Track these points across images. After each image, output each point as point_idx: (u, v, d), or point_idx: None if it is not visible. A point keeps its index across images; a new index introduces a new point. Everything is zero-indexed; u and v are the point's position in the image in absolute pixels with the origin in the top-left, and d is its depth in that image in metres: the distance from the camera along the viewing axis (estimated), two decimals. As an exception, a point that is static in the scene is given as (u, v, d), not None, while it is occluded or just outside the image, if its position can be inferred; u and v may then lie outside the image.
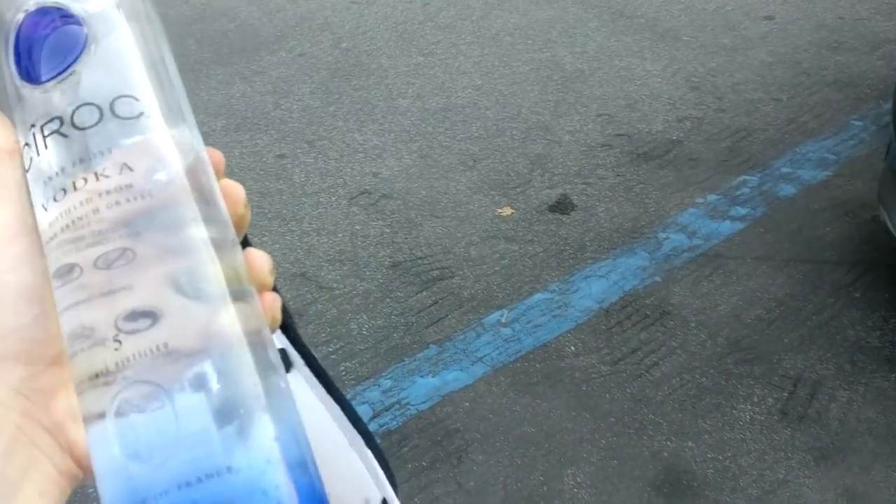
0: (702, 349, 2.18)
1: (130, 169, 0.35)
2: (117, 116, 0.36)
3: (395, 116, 3.13)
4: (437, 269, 2.45)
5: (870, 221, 2.54)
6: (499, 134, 3.03)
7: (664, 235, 2.56)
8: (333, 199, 2.73)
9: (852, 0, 3.98)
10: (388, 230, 2.60)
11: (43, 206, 0.36)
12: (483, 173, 2.83)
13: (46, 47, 0.37)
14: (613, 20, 3.80)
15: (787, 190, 2.75)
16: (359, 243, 2.55)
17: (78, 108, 0.36)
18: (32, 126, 0.36)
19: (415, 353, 2.18)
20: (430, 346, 2.20)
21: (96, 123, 0.36)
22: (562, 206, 2.68)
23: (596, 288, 2.37)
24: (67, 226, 0.35)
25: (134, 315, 0.33)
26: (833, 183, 2.78)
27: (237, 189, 0.38)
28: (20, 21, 0.37)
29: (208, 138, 0.42)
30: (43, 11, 0.37)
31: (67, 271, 0.34)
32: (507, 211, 2.66)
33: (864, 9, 3.90)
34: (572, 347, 2.19)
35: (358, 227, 2.61)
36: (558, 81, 3.33)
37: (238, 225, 0.38)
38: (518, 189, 2.76)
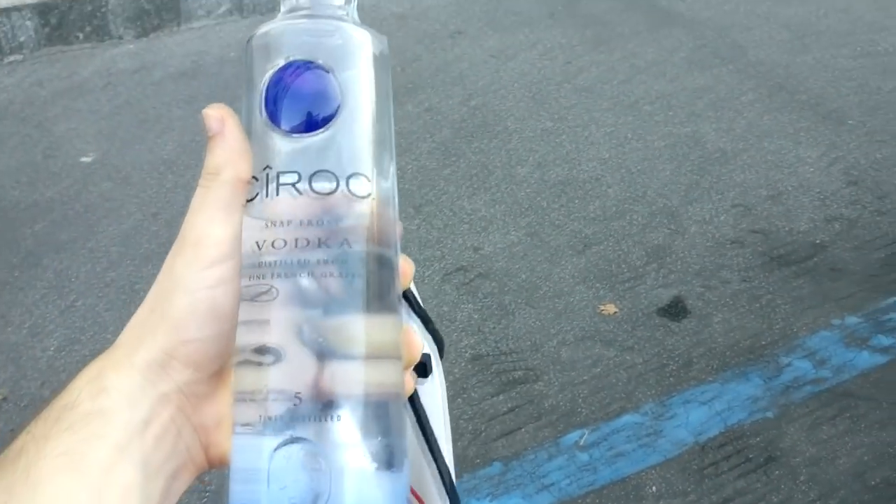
0: (809, 512, 1.86)
1: (346, 244, 0.39)
2: (350, 192, 0.39)
3: (510, 186, 2.95)
4: (522, 369, 2.24)
5: None
6: (618, 216, 2.78)
7: (786, 360, 2.23)
8: (427, 273, 2.58)
9: None
10: (476, 315, 2.41)
11: (256, 243, 0.39)
12: (592, 261, 2.59)
13: (303, 100, 0.40)
14: (771, 95, 3.45)
15: (948, 320, 2.34)
16: (443, 327, 2.38)
17: (318, 172, 0.39)
18: (268, 167, 0.40)
19: (477, 470, 1.97)
20: (496, 462, 1.99)
21: (330, 193, 0.39)
22: (673, 311, 2.40)
23: (695, 417, 2.09)
24: (262, 273, 0.39)
25: (271, 349, 0.38)
26: None
27: (409, 267, 0.43)
28: (283, 65, 0.40)
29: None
30: (308, 65, 0.40)
31: (253, 295, 0.39)
32: (611, 309, 2.41)
33: None
34: (654, 488, 1.91)
35: (446, 309, 2.44)
36: (695, 161, 3.04)
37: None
38: (627, 284, 2.50)
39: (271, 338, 0.38)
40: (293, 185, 0.39)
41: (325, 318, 0.39)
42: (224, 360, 0.40)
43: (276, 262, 0.39)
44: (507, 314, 2.42)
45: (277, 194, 0.39)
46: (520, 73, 3.66)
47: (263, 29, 0.43)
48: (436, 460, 0.71)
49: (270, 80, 0.41)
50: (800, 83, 3.53)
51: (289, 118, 0.40)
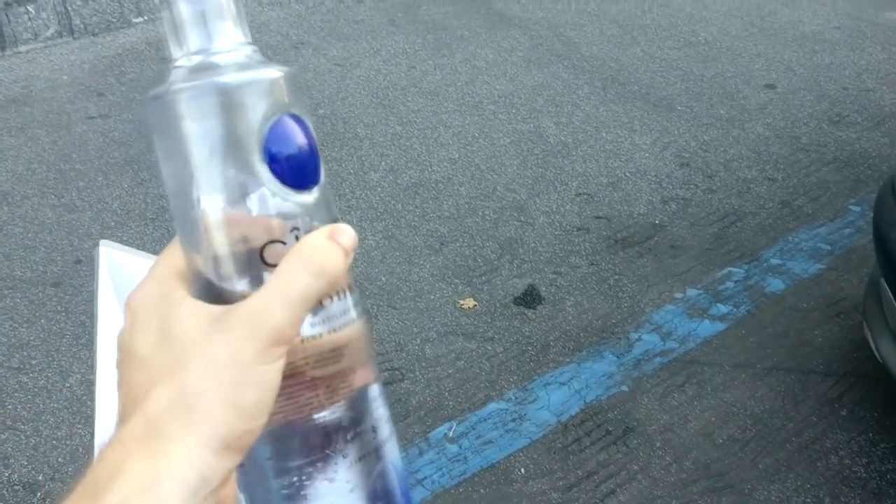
0: (666, 474, 1.97)
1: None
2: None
3: (363, 191, 2.97)
4: (388, 370, 2.26)
5: (862, 325, 2.33)
6: (470, 213, 2.86)
7: (636, 336, 2.36)
8: (287, 285, 2.56)
9: (858, 69, 3.79)
10: (340, 323, 2.42)
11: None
12: (449, 258, 2.66)
13: (310, 154, 0.40)
14: (605, 87, 3.63)
15: (776, 285, 2.54)
16: (307, 337, 2.38)
17: (314, 225, 0.41)
18: (296, 229, 0.40)
19: (349, 473, 1.99)
20: (367, 463, 2.01)
21: None
22: (528, 299, 2.49)
23: (556, 397, 2.18)
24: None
25: None
26: (825, 278, 2.57)
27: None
28: (277, 121, 0.39)
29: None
30: (297, 118, 0.40)
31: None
32: (470, 303, 2.48)
33: (871, 79, 3.71)
34: (523, 469, 1.99)
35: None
36: (539, 155, 3.16)
37: None
38: (484, 277, 2.57)
39: None
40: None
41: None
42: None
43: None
44: (369, 318, 2.44)
45: None
46: (365, 80, 3.69)
47: (224, 80, 0.39)
48: None
49: (269, 139, 0.39)
50: (630, 75, 3.73)
51: (300, 174, 0.40)
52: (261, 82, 0.40)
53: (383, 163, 3.13)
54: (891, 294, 1.80)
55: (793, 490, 1.93)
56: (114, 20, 4.06)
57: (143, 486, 0.36)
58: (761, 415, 2.12)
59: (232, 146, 0.39)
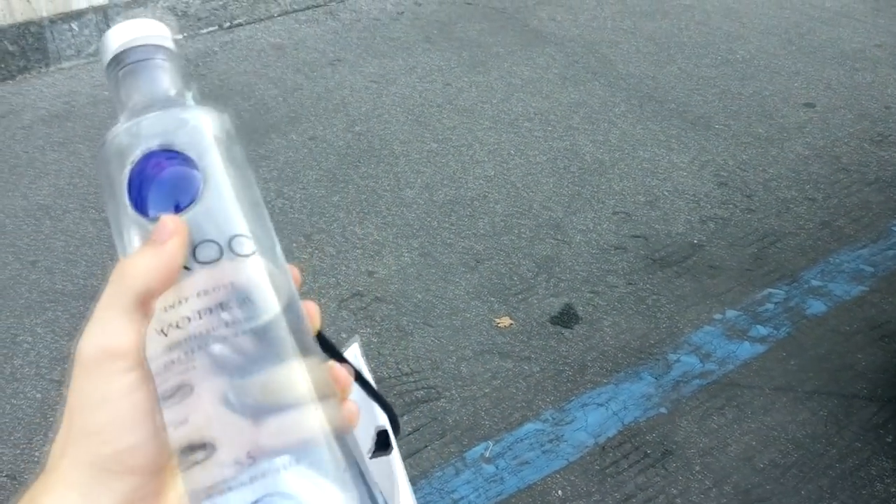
0: (705, 499, 1.94)
1: (246, 302, 0.41)
2: (234, 253, 0.41)
3: (399, 209, 2.98)
4: (423, 388, 2.26)
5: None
6: (506, 231, 2.85)
7: (674, 357, 2.33)
8: (323, 301, 2.57)
9: (900, 88, 3.74)
10: (375, 339, 2.42)
11: (161, 330, 0.40)
12: (485, 276, 2.65)
13: (166, 184, 0.42)
14: (641, 105, 3.62)
15: (817, 307, 2.50)
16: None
17: (201, 243, 0.41)
18: None
19: (385, 491, 1.98)
20: (403, 482, 2.00)
21: (216, 260, 0.41)
22: (565, 319, 2.48)
23: (593, 419, 2.16)
24: (173, 356, 0.40)
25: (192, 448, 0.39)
26: (868, 300, 2.53)
27: (315, 310, 0.45)
28: (140, 157, 0.42)
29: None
30: (163, 152, 0.42)
31: (169, 394, 0.39)
32: (506, 321, 2.47)
33: (913, 98, 3.66)
34: (560, 492, 1.97)
35: (344, 336, 2.44)
36: (576, 173, 3.15)
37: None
38: (520, 296, 2.56)
39: (197, 432, 0.39)
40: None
41: (248, 378, 0.40)
42: (164, 456, 0.40)
43: (184, 339, 0.40)
44: (405, 335, 2.44)
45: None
46: (401, 98, 3.70)
47: (113, 132, 0.44)
48: None
49: (132, 174, 0.42)
50: (667, 93, 3.71)
51: (156, 204, 0.42)
52: (140, 128, 0.44)
53: (419, 180, 3.14)
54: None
55: (836, 518, 1.90)
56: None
57: None
58: (803, 440, 2.09)
59: (112, 184, 0.44)
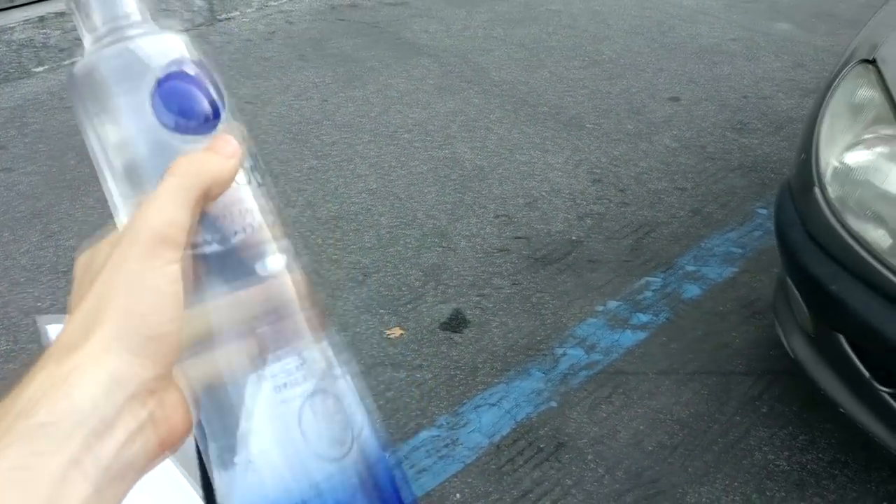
0: (599, 486, 2.00)
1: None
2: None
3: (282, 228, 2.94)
4: (317, 406, 2.24)
5: (774, 322, 2.41)
6: (392, 243, 2.86)
7: (561, 351, 2.39)
8: (209, 328, 2.52)
9: (755, 78, 3.95)
10: (265, 362, 2.39)
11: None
12: (373, 288, 2.65)
13: (205, 93, 0.43)
14: (516, 109, 3.70)
15: (692, 291, 2.61)
16: (233, 380, 2.34)
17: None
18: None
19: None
20: None
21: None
22: (454, 324, 2.50)
23: (487, 419, 2.19)
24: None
25: None
26: (739, 280, 2.65)
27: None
28: (166, 74, 0.42)
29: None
30: (182, 71, 0.43)
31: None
32: (397, 332, 2.48)
33: (768, 87, 3.87)
34: (458, 495, 1.98)
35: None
36: (457, 181, 3.19)
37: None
38: (409, 305, 2.58)
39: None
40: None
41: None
42: (180, 351, 0.40)
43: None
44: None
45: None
46: (278, 117, 3.68)
47: (107, 53, 0.43)
48: None
49: (159, 89, 0.42)
50: (540, 96, 3.81)
51: (193, 118, 0.42)
52: (142, 47, 0.43)
53: (301, 198, 3.12)
54: (796, 292, 1.87)
55: (722, 490, 1.98)
56: (12, 70, 3.96)
57: (51, 384, 0.36)
58: (687, 419, 2.17)
59: (135, 108, 0.42)
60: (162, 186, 0.40)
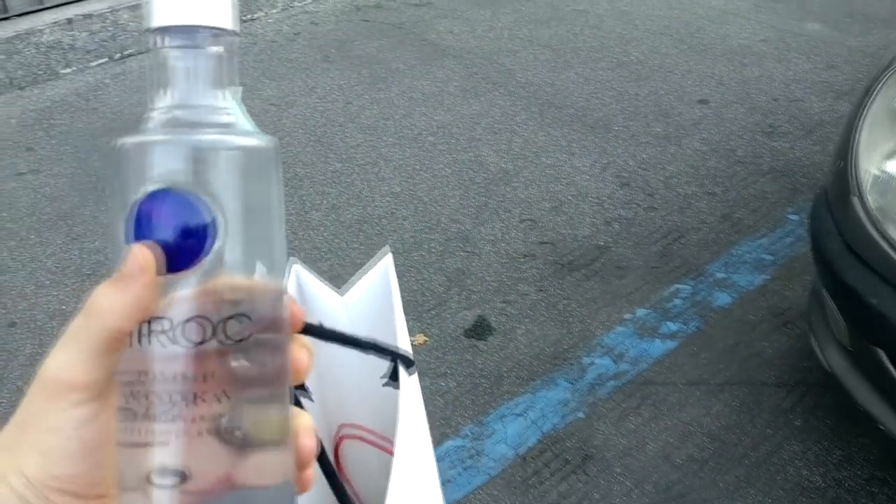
0: (627, 500, 1.95)
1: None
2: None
3: (306, 232, 2.93)
4: (340, 414, 2.21)
5: (808, 334, 2.35)
6: (416, 247, 2.83)
7: (588, 360, 2.35)
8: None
9: (786, 80, 3.87)
10: (288, 369, 2.36)
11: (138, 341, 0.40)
12: (397, 295, 2.62)
13: (178, 235, 0.39)
14: (542, 112, 3.65)
15: (722, 299, 2.56)
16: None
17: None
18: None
19: (305, 525, 1.93)
20: (324, 514, 1.96)
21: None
22: (479, 331, 2.47)
23: (512, 430, 2.15)
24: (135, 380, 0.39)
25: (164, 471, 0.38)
26: (770, 288, 2.59)
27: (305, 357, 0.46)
28: (151, 193, 0.39)
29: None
30: (179, 193, 0.39)
31: (124, 417, 0.39)
32: (420, 339, 2.44)
33: (798, 89, 3.79)
34: (483, 507, 1.95)
35: (256, 368, 2.37)
36: (481, 184, 3.16)
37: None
38: (433, 312, 2.54)
39: (172, 456, 0.38)
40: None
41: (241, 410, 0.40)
42: (105, 486, 0.40)
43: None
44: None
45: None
46: (302, 119, 3.65)
47: (135, 139, 0.40)
48: None
49: (139, 212, 0.39)
50: (566, 98, 3.76)
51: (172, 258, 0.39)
52: (163, 148, 0.39)
53: (325, 201, 3.09)
54: (832, 303, 1.81)
55: (754, 506, 1.93)
56: (41, 73, 3.97)
57: None
58: (718, 432, 2.12)
59: (123, 200, 0.40)
60: (72, 325, 0.40)
